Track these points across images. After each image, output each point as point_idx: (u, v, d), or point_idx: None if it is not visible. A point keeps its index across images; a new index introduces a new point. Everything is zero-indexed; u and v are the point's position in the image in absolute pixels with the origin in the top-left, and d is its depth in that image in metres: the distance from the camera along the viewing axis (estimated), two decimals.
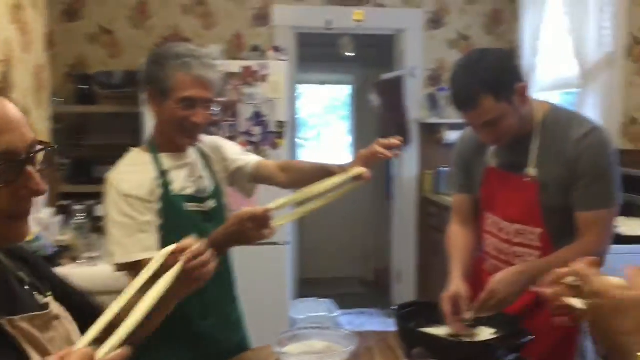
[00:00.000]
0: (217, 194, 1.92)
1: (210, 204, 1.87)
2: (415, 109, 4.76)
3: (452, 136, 4.71)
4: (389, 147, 1.69)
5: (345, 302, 4.89)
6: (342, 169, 1.74)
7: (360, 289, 5.92)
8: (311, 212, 1.62)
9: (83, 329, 0.99)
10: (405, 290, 4.97)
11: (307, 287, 5.04)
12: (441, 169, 4.71)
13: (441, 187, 4.68)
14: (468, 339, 1.71)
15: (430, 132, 4.81)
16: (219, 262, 1.88)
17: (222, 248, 1.57)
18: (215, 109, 1.84)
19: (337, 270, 6.06)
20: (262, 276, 3.74)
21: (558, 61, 4.02)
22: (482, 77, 1.68)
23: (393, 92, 4.70)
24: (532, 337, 1.60)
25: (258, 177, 2.03)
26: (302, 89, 5.76)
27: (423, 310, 1.86)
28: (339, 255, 6.07)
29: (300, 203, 1.61)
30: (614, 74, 3.48)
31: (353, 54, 4.83)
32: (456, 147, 2.09)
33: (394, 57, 4.94)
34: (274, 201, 1.54)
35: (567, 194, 1.76)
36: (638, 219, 2.84)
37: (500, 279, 1.74)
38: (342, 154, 6.04)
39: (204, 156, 1.96)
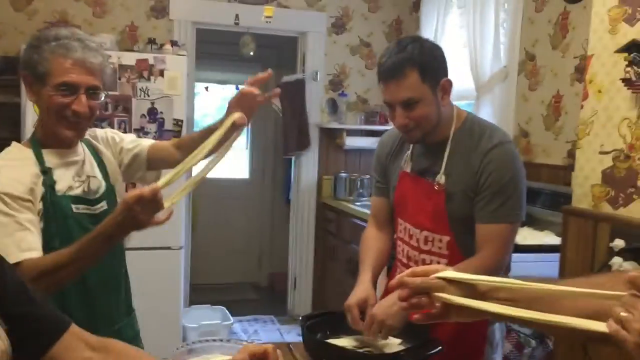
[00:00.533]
0: (109, 195, 1.74)
1: (102, 206, 1.69)
2: (316, 113, 4.73)
3: (352, 142, 4.72)
4: (255, 83, 1.65)
5: (239, 308, 4.77)
6: (222, 122, 1.65)
7: (254, 294, 5.80)
8: (202, 180, 1.51)
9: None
10: (301, 296, 4.91)
11: (198, 293, 4.85)
12: (341, 174, 4.70)
13: (340, 193, 4.67)
14: (376, 351, 1.67)
15: (331, 137, 4.80)
16: (110, 269, 1.74)
17: (113, 238, 1.44)
18: (102, 97, 1.66)
19: (230, 276, 5.90)
20: (153, 283, 3.52)
21: (455, 73, 4.13)
22: (412, 53, 1.67)
23: (294, 95, 4.64)
24: (441, 347, 1.58)
25: (154, 161, 1.88)
26: (198, 87, 5.56)
27: (329, 320, 1.80)
28: (231, 260, 5.92)
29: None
30: (507, 87, 3.62)
31: (252, 54, 4.72)
32: (376, 151, 2.06)
33: (296, 59, 4.88)
34: (161, 179, 1.44)
35: (470, 203, 1.75)
36: (530, 229, 2.94)
37: (379, 304, 1.71)
38: (238, 156, 5.90)
39: (96, 153, 1.77)
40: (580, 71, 3.15)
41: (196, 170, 1.54)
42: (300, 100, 4.64)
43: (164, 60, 3.75)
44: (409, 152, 1.88)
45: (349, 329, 1.74)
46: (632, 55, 1.68)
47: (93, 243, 1.45)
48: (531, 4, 3.55)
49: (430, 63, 1.69)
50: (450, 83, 1.73)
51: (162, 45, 4.01)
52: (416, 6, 4.74)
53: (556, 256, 2.71)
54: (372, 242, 2.00)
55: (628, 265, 1.71)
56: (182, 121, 3.77)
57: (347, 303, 1.77)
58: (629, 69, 1.71)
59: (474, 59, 3.79)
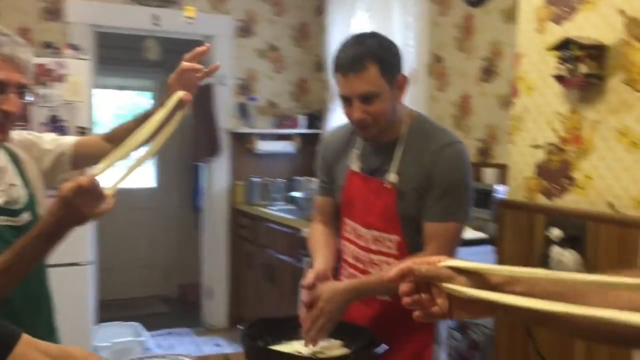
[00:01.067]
0: (32, 204, 1.59)
1: (25, 217, 1.55)
2: (226, 118, 4.64)
3: (263, 146, 4.67)
4: (194, 58, 1.61)
5: (150, 323, 4.57)
6: (161, 105, 1.57)
7: (165, 307, 5.58)
8: (147, 160, 1.43)
9: None
10: (217, 306, 4.79)
11: (106, 310, 4.60)
12: (253, 179, 4.64)
13: (254, 198, 4.60)
14: (320, 355, 1.64)
15: (241, 141, 4.72)
16: (33, 287, 1.59)
17: (53, 237, 1.33)
18: (30, 97, 1.52)
19: (137, 290, 5.65)
20: (61, 301, 3.27)
21: None
22: (372, 47, 1.65)
23: (203, 100, 4.52)
24: (387, 347, 1.57)
25: (81, 159, 1.74)
26: (96, 93, 5.29)
27: (268, 327, 1.74)
28: (138, 273, 5.67)
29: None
30: (417, 89, 3.72)
31: (157, 59, 4.56)
32: (319, 150, 2.01)
33: (203, 64, 4.75)
34: (99, 165, 1.36)
35: (421, 202, 1.75)
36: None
37: (327, 298, 1.68)
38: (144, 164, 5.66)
39: (15, 159, 1.61)
40: (486, 72, 3.30)
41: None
42: (209, 105, 4.54)
43: (64, 65, 3.52)
44: (357, 150, 1.85)
45: (289, 335, 1.70)
46: (564, 53, 1.76)
47: (32, 245, 1.33)
48: (436, 8, 3.67)
49: (388, 58, 1.67)
50: (406, 79, 1.72)
51: (58, 49, 3.76)
52: (321, 10, 4.78)
53: (477, 249, 2.83)
54: (321, 235, 1.96)
55: (568, 253, 1.80)
56: (87, 129, 3.56)
57: (305, 281, 1.74)
58: (560, 66, 1.80)
59: None
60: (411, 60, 3.74)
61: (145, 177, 5.72)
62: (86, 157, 1.74)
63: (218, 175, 4.70)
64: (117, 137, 1.72)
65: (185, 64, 1.60)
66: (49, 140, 1.73)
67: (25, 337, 1.04)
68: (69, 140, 1.75)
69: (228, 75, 4.63)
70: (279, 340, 1.69)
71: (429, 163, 1.72)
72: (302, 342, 1.70)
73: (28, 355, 1.02)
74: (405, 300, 0.94)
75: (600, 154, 1.79)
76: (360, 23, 4.25)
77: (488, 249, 2.90)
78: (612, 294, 0.75)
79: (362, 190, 1.83)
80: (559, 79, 1.82)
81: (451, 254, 1.75)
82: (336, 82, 1.72)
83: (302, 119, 4.76)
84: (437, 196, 1.72)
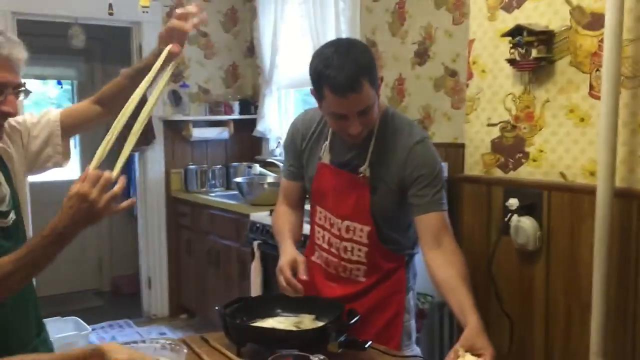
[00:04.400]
0: (14, 202, 1.58)
1: (11, 217, 1.54)
2: (159, 106, 4.58)
3: (198, 133, 4.66)
4: (185, 18, 1.63)
5: (87, 317, 4.47)
6: (154, 55, 1.65)
7: (98, 301, 5.47)
8: (145, 122, 1.50)
9: None
10: (157, 295, 4.76)
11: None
12: (190, 166, 4.62)
13: (191, 185, 4.59)
14: (296, 328, 1.72)
15: (176, 129, 4.68)
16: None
17: (65, 237, 1.35)
18: (24, 96, 1.51)
19: (68, 285, 5.48)
20: None
21: (298, 61, 4.26)
22: (360, 62, 1.66)
23: (133, 87, 4.43)
24: (359, 316, 1.67)
25: (72, 128, 1.73)
26: None
27: (242, 307, 1.79)
28: (69, 268, 5.50)
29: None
30: None
31: (82, 47, 4.42)
32: (288, 135, 2.03)
33: (130, 51, 4.67)
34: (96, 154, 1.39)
35: (393, 197, 1.83)
36: None
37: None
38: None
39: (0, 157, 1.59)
40: (419, 56, 3.47)
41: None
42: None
43: None
44: (327, 142, 1.89)
45: (263, 313, 1.77)
46: (516, 38, 1.94)
47: (42, 245, 1.33)
48: None
49: (373, 67, 1.70)
50: (381, 78, 1.80)
51: None
52: None
53: None
54: (286, 215, 2.03)
55: (525, 219, 2.00)
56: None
57: (279, 266, 1.81)
58: (513, 50, 1.98)
59: (317, 47, 3.95)
60: None
61: (70, 168, 5.53)
62: (77, 123, 1.73)
63: (152, 163, 4.64)
64: (107, 97, 1.73)
65: (174, 22, 1.62)
66: (34, 123, 1.68)
67: None
68: (54, 115, 1.71)
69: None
70: (254, 319, 1.76)
71: (404, 160, 1.79)
72: (277, 319, 1.78)
73: None
74: None
75: (551, 129, 1.99)
76: (292, 8, 4.31)
77: None
78: None
79: (334, 183, 1.89)
80: (512, 62, 1.99)
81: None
82: (325, 100, 1.71)
83: (235, 105, 4.78)
84: (425, 190, 1.78)
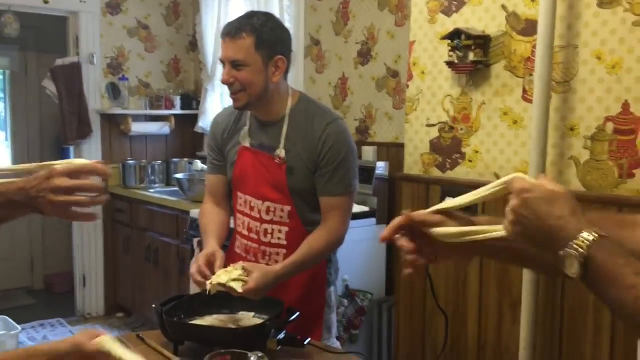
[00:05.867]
0: None
1: None
2: (96, 99, 4.46)
3: (137, 127, 4.56)
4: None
5: (17, 316, 4.31)
6: None
7: (30, 299, 5.28)
8: None
9: None
10: (92, 294, 4.64)
11: None
12: (128, 161, 4.52)
13: (130, 181, 4.49)
14: (234, 325, 1.72)
15: (114, 123, 4.57)
16: None
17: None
18: None
19: (0, 283, 5.28)
20: None
21: None
22: (255, 23, 1.80)
23: (70, 79, 4.31)
24: (298, 313, 1.69)
25: None
26: None
27: (180, 305, 1.77)
28: None
29: None
30: (295, 70, 3.85)
31: (15, 35, 4.26)
32: (210, 132, 2.10)
33: (66, 41, 4.52)
34: None
35: (310, 177, 1.90)
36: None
37: (258, 285, 1.70)
38: None
39: None
40: (362, 55, 3.51)
41: None
42: (77, 84, 4.33)
43: None
44: (246, 127, 1.96)
45: (202, 311, 1.77)
46: (454, 41, 1.99)
47: None
48: None
49: (268, 36, 1.81)
50: (284, 62, 1.86)
51: None
52: None
53: (361, 221, 3.05)
54: (211, 215, 2.05)
55: None
56: None
57: (195, 257, 1.83)
58: (452, 53, 2.03)
59: None
60: None
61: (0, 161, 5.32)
62: None
63: (89, 158, 4.44)
64: None
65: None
66: None
67: None
68: None
69: (96, 54, 4.45)
70: (192, 317, 1.74)
71: (316, 141, 1.87)
72: (215, 316, 1.78)
73: None
74: (409, 257, 1.04)
75: (486, 131, 2.05)
76: (236, 3, 4.28)
77: (372, 221, 3.15)
78: None
79: (254, 163, 1.94)
80: (450, 64, 2.05)
81: (346, 224, 1.93)
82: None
83: (176, 100, 4.71)
84: (327, 173, 1.87)
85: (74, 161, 1.18)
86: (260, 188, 1.92)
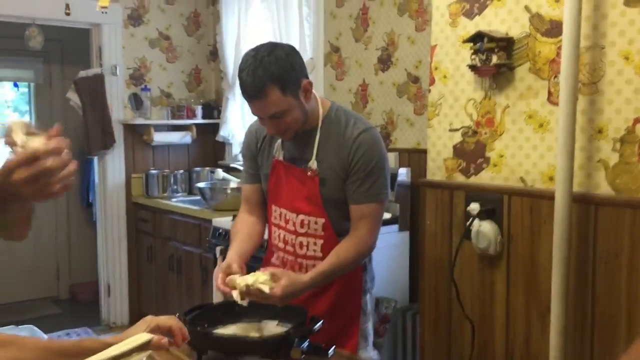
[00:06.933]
0: None
1: None
2: (119, 110, 4.50)
3: (160, 137, 4.59)
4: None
5: (44, 325, 4.34)
6: None
7: (56, 309, 5.34)
8: None
9: None
10: (117, 303, 4.66)
11: None
12: (151, 171, 4.55)
13: (153, 191, 4.52)
14: (258, 335, 1.71)
15: (137, 133, 4.60)
16: None
17: None
18: None
19: (24, 293, 5.34)
20: None
21: None
22: (270, 70, 1.73)
23: (94, 91, 4.35)
24: (322, 321, 1.67)
25: None
26: None
27: (205, 314, 1.78)
28: (25, 276, 5.36)
29: None
30: (315, 78, 3.85)
31: (39, 49, 4.32)
32: (244, 141, 2.11)
33: (90, 53, 4.57)
34: None
35: (343, 186, 1.89)
36: None
37: (285, 292, 1.70)
38: None
39: None
40: (382, 61, 3.49)
41: None
42: (100, 96, 4.37)
43: None
44: (279, 140, 1.95)
45: (225, 319, 1.76)
46: (477, 44, 1.96)
47: None
48: (332, 0, 3.80)
49: (288, 74, 1.76)
50: (310, 84, 1.84)
51: None
52: None
53: (384, 228, 3.01)
54: (241, 225, 2.05)
55: (486, 224, 2.01)
56: None
57: (217, 267, 1.82)
58: (474, 56, 1.99)
59: None
60: (309, 50, 3.86)
61: None
62: None
63: (112, 168, 4.55)
64: None
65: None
66: None
67: None
68: None
69: (119, 65, 4.49)
70: (216, 326, 1.73)
71: (348, 150, 1.86)
72: (239, 325, 1.77)
73: None
74: None
75: (511, 135, 2.01)
76: (256, 13, 4.29)
77: (394, 227, 3.11)
78: None
79: (287, 178, 1.95)
80: (473, 68, 2.01)
81: (378, 230, 1.92)
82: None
83: (198, 109, 4.73)
84: (360, 180, 1.86)
85: (28, 145, 1.07)
86: (294, 202, 1.93)
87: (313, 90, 1.87)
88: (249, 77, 1.74)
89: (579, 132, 1.82)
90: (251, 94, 1.76)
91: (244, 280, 1.68)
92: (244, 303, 1.69)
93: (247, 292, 1.67)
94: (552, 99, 1.89)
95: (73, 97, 4.34)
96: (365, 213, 1.87)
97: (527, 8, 1.94)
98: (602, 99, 1.78)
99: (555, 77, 1.86)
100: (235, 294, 1.69)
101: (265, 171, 2.01)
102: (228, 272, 1.76)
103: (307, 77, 1.84)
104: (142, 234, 4.59)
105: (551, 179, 1.89)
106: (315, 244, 1.92)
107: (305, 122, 1.86)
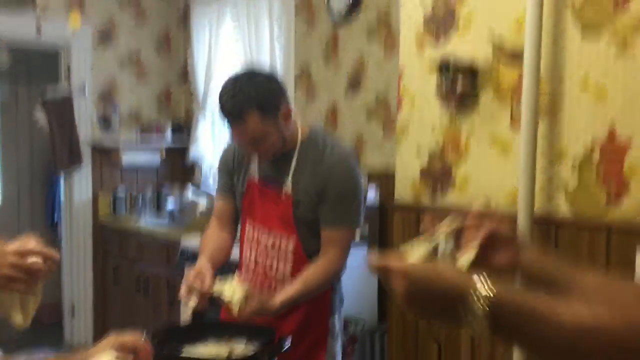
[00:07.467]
0: None
1: None
2: (88, 130, 4.47)
3: (128, 158, 4.57)
4: None
5: (4, 347, 4.24)
6: None
7: (15, 330, 5.19)
8: None
9: None
10: (81, 324, 4.59)
11: None
12: (119, 191, 4.51)
13: (120, 211, 4.48)
14: (226, 354, 1.71)
15: (105, 153, 4.57)
16: None
17: None
18: None
19: None
20: None
21: None
22: (249, 95, 1.76)
23: (61, 111, 4.32)
24: (290, 340, 1.71)
25: None
26: None
27: (173, 334, 1.80)
28: None
29: None
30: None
31: (5, 67, 4.29)
32: (222, 154, 2.12)
33: (58, 73, 4.54)
34: None
35: (316, 208, 1.91)
36: None
37: (253, 315, 1.79)
38: None
39: None
40: (352, 86, 3.55)
41: None
42: (68, 116, 4.34)
43: None
44: (255, 160, 1.98)
45: (193, 340, 1.77)
46: (443, 72, 2.03)
47: None
48: (302, 23, 3.85)
49: (267, 100, 1.79)
50: (289, 109, 1.87)
51: None
52: (185, 18, 4.78)
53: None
54: (211, 238, 2.07)
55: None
56: None
57: (184, 278, 1.84)
58: (440, 82, 2.07)
59: None
60: (279, 72, 3.89)
61: None
62: None
63: (79, 187, 4.51)
64: None
65: None
66: None
67: None
68: None
69: (87, 86, 4.47)
70: (183, 346, 1.73)
71: (324, 175, 1.89)
72: (207, 345, 1.77)
73: None
74: None
75: (475, 158, 2.08)
76: (227, 32, 4.31)
77: (363, 248, 3.15)
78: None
79: (262, 198, 1.97)
80: (439, 94, 2.08)
81: (345, 256, 1.94)
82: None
83: (167, 131, 4.72)
84: (332, 204, 1.89)
85: (27, 244, 1.26)
86: (267, 221, 1.95)
87: (292, 116, 1.90)
88: (229, 102, 1.77)
89: (540, 156, 1.89)
90: (229, 119, 1.80)
91: (221, 287, 1.77)
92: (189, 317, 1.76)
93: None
94: (514, 124, 1.97)
95: (40, 118, 4.29)
96: (335, 238, 1.90)
97: (490, 37, 2.02)
98: (562, 124, 1.86)
99: (518, 103, 1.94)
100: (191, 304, 1.72)
101: (240, 189, 2.03)
102: (201, 277, 1.79)
103: (288, 102, 1.87)
104: (108, 255, 4.54)
105: (514, 201, 1.96)
106: (284, 265, 1.94)
107: (284, 145, 1.89)
